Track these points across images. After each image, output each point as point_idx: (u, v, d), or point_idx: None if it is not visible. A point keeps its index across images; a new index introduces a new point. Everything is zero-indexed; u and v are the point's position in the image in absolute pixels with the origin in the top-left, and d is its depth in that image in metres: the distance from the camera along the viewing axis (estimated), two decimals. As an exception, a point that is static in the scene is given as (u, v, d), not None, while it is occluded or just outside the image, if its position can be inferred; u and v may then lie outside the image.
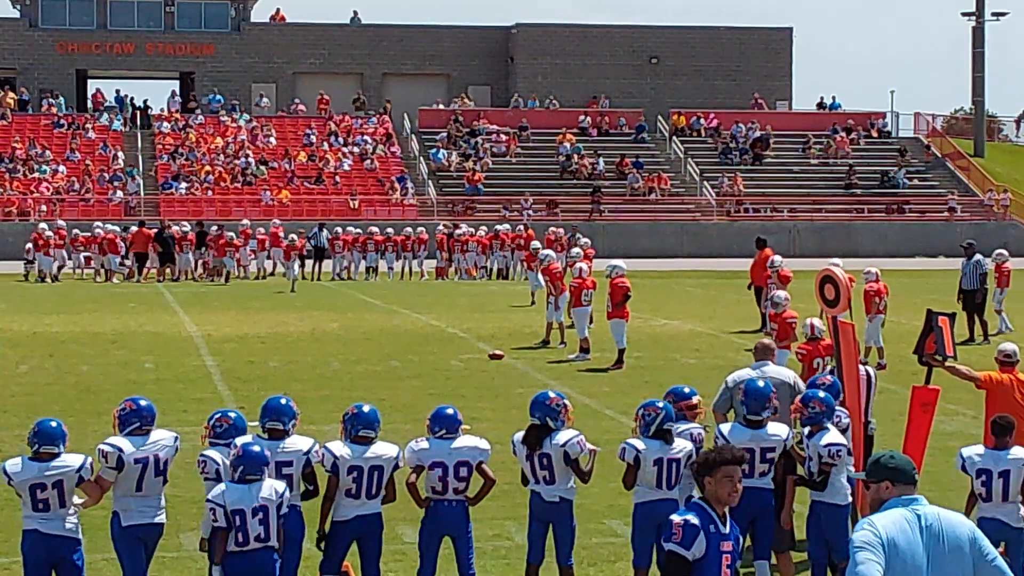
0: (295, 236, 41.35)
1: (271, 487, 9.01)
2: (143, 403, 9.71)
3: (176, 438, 9.78)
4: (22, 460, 9.18)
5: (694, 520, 6.86)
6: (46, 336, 26.95)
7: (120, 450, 9.41)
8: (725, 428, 10.35)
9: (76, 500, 9.39)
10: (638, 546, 9.96)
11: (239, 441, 9.47)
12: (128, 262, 43.62)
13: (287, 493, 9.08)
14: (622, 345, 23.14)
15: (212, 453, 9.66)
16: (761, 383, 10.61)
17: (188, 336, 27.20)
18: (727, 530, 6.95)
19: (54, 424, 9.33)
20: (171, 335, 27.27)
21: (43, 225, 44.06)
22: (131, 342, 26.03)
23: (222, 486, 9.02)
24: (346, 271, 44.80)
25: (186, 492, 13.58)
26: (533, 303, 32.71)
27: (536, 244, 36.08)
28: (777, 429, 10.33)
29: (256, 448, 9.16)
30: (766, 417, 10.32)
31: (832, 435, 10.40)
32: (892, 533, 6.23)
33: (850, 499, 10.55)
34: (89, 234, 43.96)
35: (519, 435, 10.11)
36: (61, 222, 45.64)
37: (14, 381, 21.16)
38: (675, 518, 6.94)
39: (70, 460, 9.26)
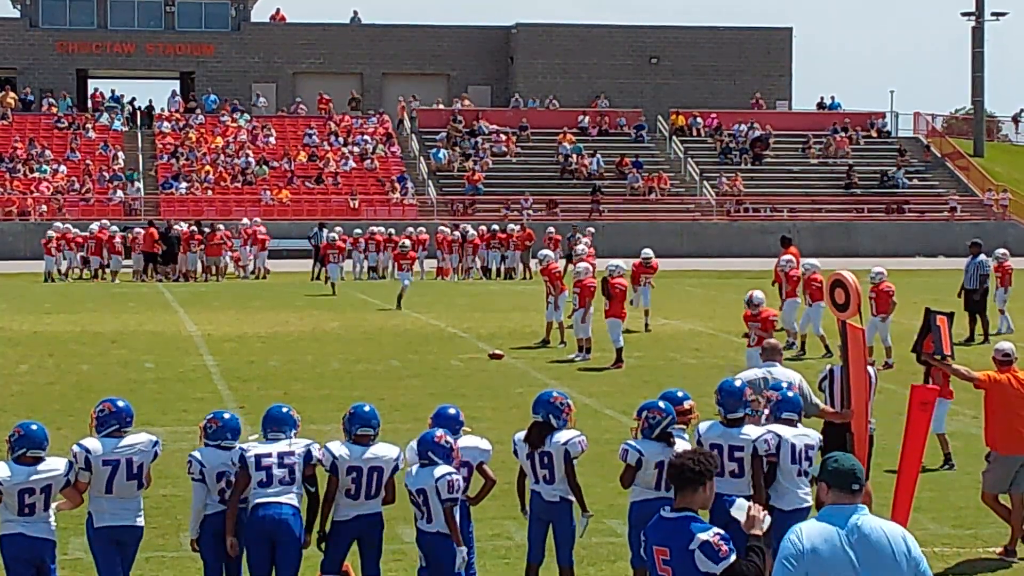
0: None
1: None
2: (121, 404, 9.63)
3: (156, 442, 9.66)
4: (9, 465, 9.10)
5: (719, 531, 6.85)
6: (46, 336, 26.96)
7: (88, 451, 9.36)
8: (703, 426, 10.24)
9: (54, 503, 9.36)
10: (635, 545, 9.94)
11: (242, 450, 9.60)
12: (129, 261, 43.67)
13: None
14: (619, 344, 23.17)
15: (197, 454, 9.67)
16: (738, 383, 10.44)
17: (188, 335, 27.22)
18: None
19: (35, 427, 9.28)
20: (171, 334, 27.29)
21: (57, 225, 44.20)
22: (131, 342, 26.04)
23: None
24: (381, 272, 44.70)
25: (186, 492, 13.56)
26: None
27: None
28: (749, 430, 10.10)
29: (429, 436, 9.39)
30: (744, 415, 10.20)
31: (764, 427, 10.23)
32: (815, 542, 6.36)
33: (798, 505, 10.08)
34: (89, 233, 43.97)
35: (521, 434, 10.11)
36: (108, 223, 44.89)
37: (14, 380, 21.17)
38: (708, 538, 6.77)
39: (56, 464, 9.23)
